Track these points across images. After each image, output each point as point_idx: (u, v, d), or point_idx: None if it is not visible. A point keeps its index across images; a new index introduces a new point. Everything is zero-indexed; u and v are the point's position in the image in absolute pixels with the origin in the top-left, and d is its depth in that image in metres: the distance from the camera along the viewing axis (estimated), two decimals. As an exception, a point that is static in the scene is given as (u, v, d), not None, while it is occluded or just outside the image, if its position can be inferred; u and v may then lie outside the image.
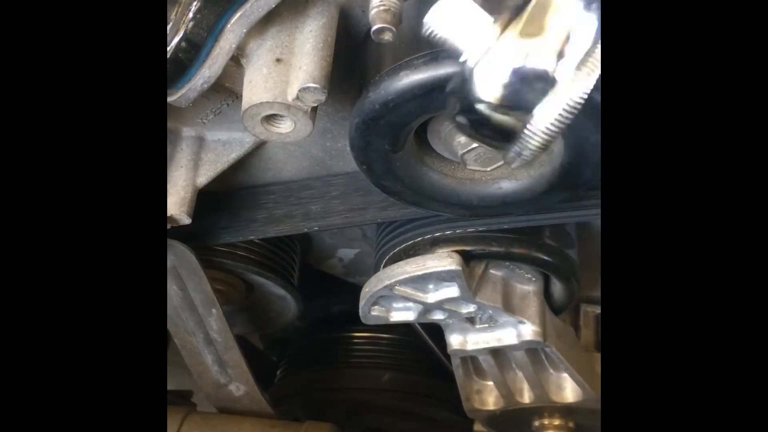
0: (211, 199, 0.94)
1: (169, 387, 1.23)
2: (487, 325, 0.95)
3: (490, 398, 1.06)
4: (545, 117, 0.53)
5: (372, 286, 0.91)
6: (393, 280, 0.89)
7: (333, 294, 1.27)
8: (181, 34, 0.68)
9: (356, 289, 1.08)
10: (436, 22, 0.57)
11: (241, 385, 1.06)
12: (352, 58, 0.78)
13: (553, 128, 0.53)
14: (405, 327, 1.14)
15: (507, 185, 0.80)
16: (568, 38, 0.53)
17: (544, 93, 0.53)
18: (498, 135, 0.56)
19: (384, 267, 0.93)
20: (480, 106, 0.55)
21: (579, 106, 0.52)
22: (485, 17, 0.57)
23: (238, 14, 0.69)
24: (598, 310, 1.09)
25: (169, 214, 0.86)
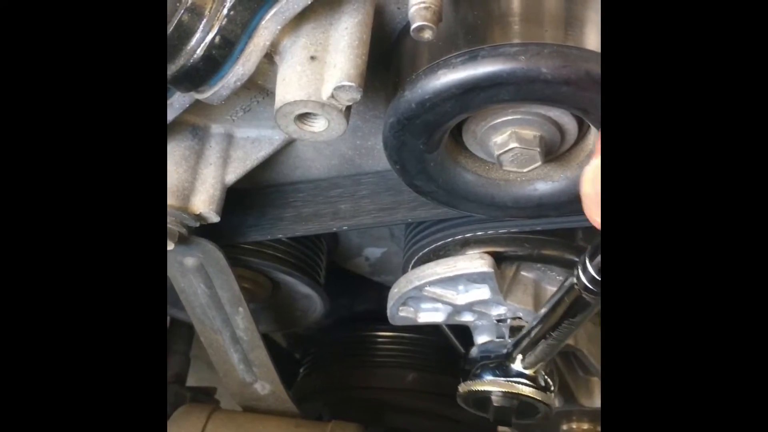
0: (240, 197, 0.93)
1: (190, 382, 1.23)
2: (517, 328, 0.94)
3: (517, 401, 1.05)
4: None
5: (401, 287, 0.90)
6: (423, 281, 0.87)
7: (358, 293, 1.26)
8: (215, 30, 0.67)
9: (381, 288, 1.07)
10: None
11: (266, 384, 1.05)
12: (386, 55, 0.77)
13: None
14: (430, 327, 1.13)
15: (543, 187, 0.78)
16: None
17: None
18: None
19: (413, 267, 0.92)
20: None
21: None
22: None
23: (272, 11, 0.67)
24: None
25: (198, 211, 0.86)
